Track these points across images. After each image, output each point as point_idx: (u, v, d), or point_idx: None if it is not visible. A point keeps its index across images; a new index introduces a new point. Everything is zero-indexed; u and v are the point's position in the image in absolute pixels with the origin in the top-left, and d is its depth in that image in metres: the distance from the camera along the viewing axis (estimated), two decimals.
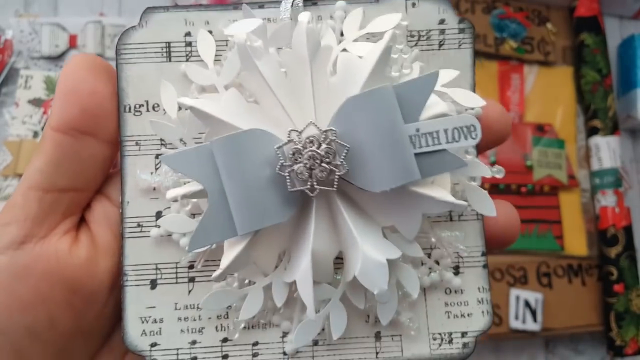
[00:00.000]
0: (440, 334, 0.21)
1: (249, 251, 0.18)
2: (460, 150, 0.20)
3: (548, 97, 0.62)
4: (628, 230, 0.57)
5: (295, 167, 0.17)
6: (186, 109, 0.19)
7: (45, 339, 0.19)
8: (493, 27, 0.63)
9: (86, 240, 0.20)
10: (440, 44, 0.21)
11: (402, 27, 0.21)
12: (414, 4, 0.21)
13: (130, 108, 0.21)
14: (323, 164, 0.17)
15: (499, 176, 0.20)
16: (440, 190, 0.17)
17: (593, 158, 0.60)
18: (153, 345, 0.20)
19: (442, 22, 0.21)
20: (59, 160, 0.20)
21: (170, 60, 0.21)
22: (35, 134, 0.56)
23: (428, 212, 0.18)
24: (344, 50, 0.19)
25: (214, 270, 0.18)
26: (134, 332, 0.20)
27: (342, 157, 0.17)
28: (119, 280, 0.20)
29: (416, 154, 0.17)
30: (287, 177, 0.17)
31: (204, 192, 0.17)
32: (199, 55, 0.20)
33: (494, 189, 0.57)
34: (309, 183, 0.17)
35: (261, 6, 0.21)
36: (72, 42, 0.59)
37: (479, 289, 0.21)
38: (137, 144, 0.21)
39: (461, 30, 0.21)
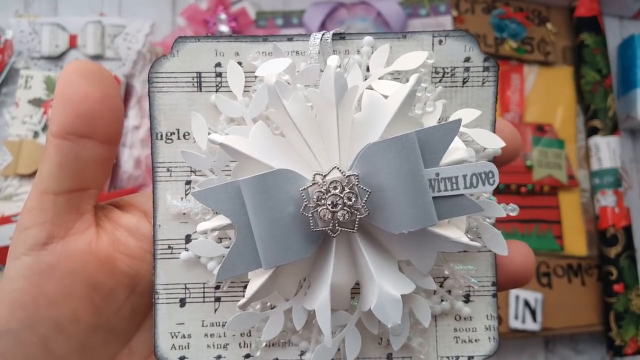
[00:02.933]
0: (448, 357, 0.22)
1: (272, 281, 0.19)
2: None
3: (548, 97, 0.62)
4: (628, 230, 0.57)
5: (319, 209, 0.18)
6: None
7: (70, 332, 0.21)
8: (493, 27, 0.63)
9: (108, 240, 0.22)
10: (464, 81, 0.21)
11: (427, 65, 0.21)
12: (440, 41, 0.21)
13: (162, 136, 0.22)
14: (345, 208, 0.18)
15: (513, 214, 0.20)
16: (455, 231, 0.18)
17: (593, 158, 0.60)
18: (182, 358, 0.21)
19: (467, 59, 0.21)
20: (62, 164, 0.21)
21: (200, 90, 0.21)
22: (36, 134, 0.56)
23: (443, 250, 0.19)
24: (370, 87, 0.20)
25: (238, 291, 0.21)
26: (165, 345, 0.22)
27: (364, 201, 0.18)
28: (137, 286, 0.22)
29: (434, 198, 0.18)
30: (311, 218, 0.18)
31: (231, 226, 0.19)
32: (227, 85, 0.21)
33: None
34: (331, 224, 0.18)
35: (290, 39, 0.21)
36: (72, 42, 0.59)
37: (487, 316, 0.22)
38: (168, 170, 0.22)
39: (486, 69, 0.21)
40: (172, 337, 0.22)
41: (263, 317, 0.21)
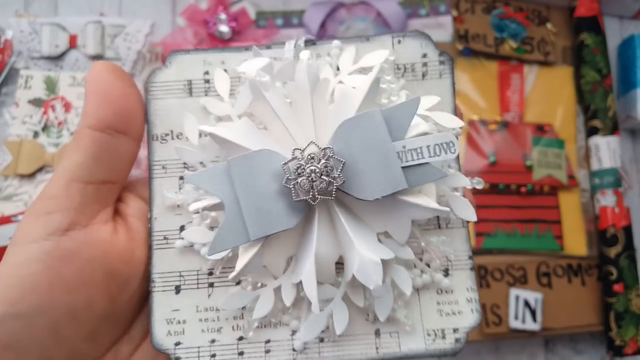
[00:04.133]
0: (434, 330, 0.23)
1: (260, 255, 0.20)
2: (445, 164, 0.23)
3: (548, 97, 0.62)
4: (627, 230, 0.57)
5: (299, 180, 0.19)
6: (206, 136, 0.22)
7: (82, 319, 0.21)
8: (493, 27, 0.63)
9: (123, 231, 0.23)
10: (424, 75, 0.24)
11: (389, 62, 0.24)
12: (399, 41, 0.24)
13: (157, 137, 0.24)
14: (322, 177, 0.19)
15: (478, 187, 0.22)
16: (426, 199, 0.20)
17: (593, 158, 0.60)
18: (177, 344, 0.22)
19: (424, 56, 0.24)
20: (98, 155, 0.22)
21: (191, 95, 0.24)
22: (36, 134, 0.56)
23: (416, 217, 0.21)
24: (340, 82, 0.23)
25: (229, 275, 0.21)
26: (160, 332, 0.22)
27: (339, 170, 0.20)
28: (147, 273, 0.23)
29: (403, 167, 0.20)
30: (292, 189, 0.20)
31: (221, 205, 0.20)
32: (216, 91, 0.24)
33: (494, 189, 0.57)
34: (310, 194, 0.20)
35: (268, 47, 0.24)
36: (72, 42, 0.59)
37: (467, 289, 0.23)
38: (163, 167, 0.24)
39: (441, 62, 0.24)
40: (168, 323, 0.23)
41: (254, 297, 0.22)
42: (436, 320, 0.23)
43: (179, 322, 0.23)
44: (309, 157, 0.20)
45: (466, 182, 0.22)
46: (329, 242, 0.21)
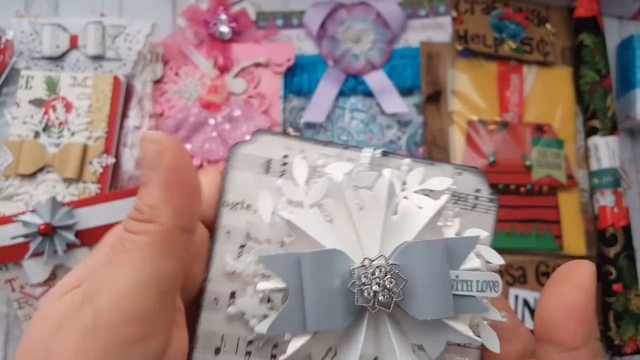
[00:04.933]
0: None
1: (310, 344, 0.22)
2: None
3: (547, 97, 0.62)
4: (627, 230, 0.57)
5: (364, 288, 0.21)
6: (280, 219, 0.24)
7: None
8: (492, 28, 0.63)
9: (180, 320, 0.22)
10: (473, 207, 0.26)
11: (450, 189, 0.26)
12: (459, 172, 0.26)
13: (228, 204, 0.26)
14: (385, 290, 0.21)
15: (504, 320, 0.24)
16: (464, 326, 0.22)
17: (592, 158, 0.60)
18: None
19: (477, 190, 0.26)
20: (185, 261, 0.20)
21: (267, 173, 0.26)
22: (36, 134, 0.56)
23: (451, 340, 0.23)
24: (405, 197, 0.25)
25: (268, 349, 0.25)
26: None
27: (400, 288, 0.21)
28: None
29: (453, 295, 0.22)
30: (355, 294, 0.21)
31: (286, 290, 0.22)
32: (290, 174, 0.26)
33: (494, 189, 0.57)
34: (371, 302, 0.21)
35: (346, 147, 0.26)
36: (73, 43, 0.60)
37: None
38: (227, 233, 0.25)
39: (490, 200, 0.26)
40: None
41: None
42: None
43: None
44: (377, 268, 0.21)
45: (498, 316, 0.24)
46: (371, 343, 0.23)
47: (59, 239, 0.49)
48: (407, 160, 0.26)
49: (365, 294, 0.21)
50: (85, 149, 0.55)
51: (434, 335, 0.23)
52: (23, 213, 0.50)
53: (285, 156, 0.26)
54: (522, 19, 0.63)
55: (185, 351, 0.22)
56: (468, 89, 0.62)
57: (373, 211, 0.23)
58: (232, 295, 0.25)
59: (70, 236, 0.49)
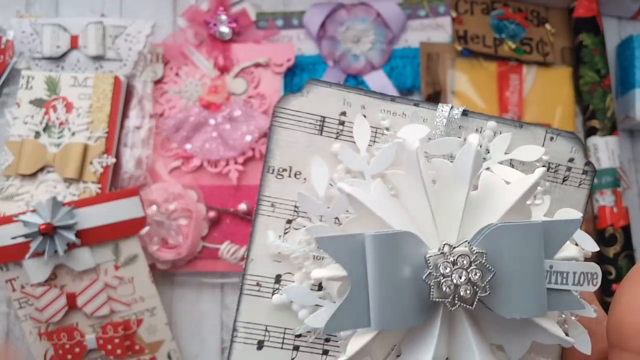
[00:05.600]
0: None
1: (373, 342, 0.18)
2: None
3: (547, 97, 0.62)
4: (626, 230, 0.57)
5: (443, 280, 0.17)
6: (338, 191, 0.19)
7: None
8: (492, 28, 0.63)
9: None
10: (564, 180, 0.22)
11: (541, 160, 0.22)
12: (552, 138, 0.22)
13: (274, 170, 0.22)
14: (469, 283, 0.17)
15: (595, 315, 0.21)
16: (553, 324, 0.18)
17: (591, 158, 0.60)
18: None
19: (571, 160, 0.22)
20: None
21: (321, 134, 0.22)
22: (37, 134, 0.56)
23: (539, 340, 0.19)
24: (488, 168, 0.20)
25: (318, 342, 0.20)
26: None
27: (487, 280, 0.18)
28: None
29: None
30: (431, 287, 0.18)
31: (347, 279, 0.18)
32: (347, 135, 0.21)
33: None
34: (450, 297, 0.18)
35: (416, 104, 0.22)
36: (74, 43, 0.60)
37: None
38: (272, 205, 0.22)
39: (585, 172, 0.22)
40: None
41: None
42: None
43: None
44: (459, 257, 0.18)
45: (591, 314, 0.20)
46: (442, 342, 0.19)
47: (60, 239, 0.49)
48: (492, 123, 0.22)
49: (444, 287, 0.17)
50: (85, 149, 0.55)
51: (518, 335, 0.19)
52: (23, 213, 0.50)
53: (342, 113, 0.22)
54: (522, 19, 0.64)
55: None
56: (468, 89, 0.62)
57: (453, 186, 0.19)
58: (278, 279, 0.21)
59: (71, 236, 0.49)
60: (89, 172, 0.55)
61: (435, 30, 0.64)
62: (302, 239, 0.21)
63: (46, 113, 0.57)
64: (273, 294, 0.21)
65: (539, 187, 0.21)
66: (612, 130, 0.60)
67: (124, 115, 0.59)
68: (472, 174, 0.19)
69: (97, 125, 0.56)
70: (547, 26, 0.64)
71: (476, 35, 0.63)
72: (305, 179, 0.21)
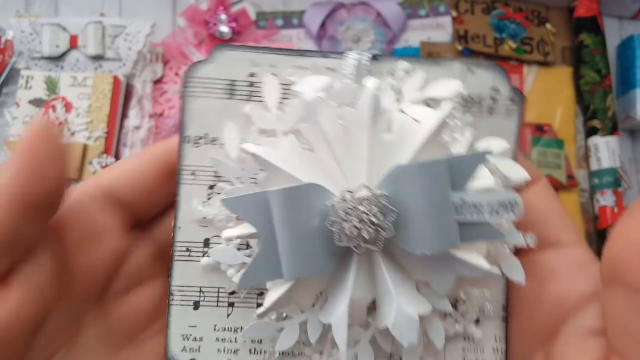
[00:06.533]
0: None
1: (291, 292, 0.19)
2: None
3: (547, 97, 0.62)
4: None
5: (345, 225, 0.18)
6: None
7: None
8: (492, 28, 0.63)
9: (15, 285, 0.19)
10: (490, 111, 0.21)
11: (458, 95, 0.21)
12: (471, 71, 0.21)
13: (189, 139, 0.22)
14: (371, 226, 0.18)
15: (532, 245, 0.21)
16: (476, 256, 0.19)
17: (592, 158, 0.60)
18: None
19: (495, 90, 0.21)
20: (11, 229, 0.18)
21: (232, 98, 0.21)
22: None
23: (462, 274, 0.19)
24: (402, 111, 0.20)
25: (252, 298, 0.21)
26: (176, 347, 0.22)
27: (390, 222, 0.18)
28: (39, 325, 0.20)
29: (458, 222, 0.18)
30: (336, 233, 0.18)
31: (256, 235, 0.19)
32: (259, 96, 0.21)
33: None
34: (355, 241, 0.18)
35: (325, 56, 0.22)
36: (73, 43, 0.60)
37: (495, 338, 0.22)
38: (193, 173, 0.22)
39: (512, 100, 0.22)
40: (184, 339, 0.22)
41: (278, 328, 0.21)
42: None
43: (195, 339, 0.22)
44: (359, 201, 0.18)
45: (521, 240, 0.21)
46: (365, 286, 0.20)
47: None
48: (403, 64, 0.21)
49: (348, 232, 0.18)
50: (85, 148, 0.55)
51: (440, 270, 0.19)
52: None
53: (251, 74, 0.21)
54: (522, 19, 0.63)
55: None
56: None
57: (355, 133, 0.19)
58: (206, 243, 0.22)
59: None
60: (88, 172, 0.55)
61: (435, 30, 0.64)
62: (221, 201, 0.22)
63: (45, 113, 0.57)
64: (203, 257, 0.22)
65: (457, 122, 0.21)
66: (612, 130, 0.60)
67: (124, 115, 0.58)
68: (370, 117, 0.19)
69: (97, 125, 0.56)
70: (548, 26, 0.64)
71: (477, 34, 0.62)
72: (222, 144, 0.21)
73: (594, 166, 0.59)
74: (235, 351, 0.22)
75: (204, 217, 0.22)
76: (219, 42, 0.62)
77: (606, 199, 0.58)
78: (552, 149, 0.60)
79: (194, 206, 0.22)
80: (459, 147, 0.20)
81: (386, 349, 0.21)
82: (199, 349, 0.22)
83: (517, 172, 0.20)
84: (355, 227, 0.18)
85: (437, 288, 0.20)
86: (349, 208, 0.18)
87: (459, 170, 0.18)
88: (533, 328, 0.21)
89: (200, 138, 0.22)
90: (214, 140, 0.22)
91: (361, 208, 0.18)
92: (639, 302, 0.18)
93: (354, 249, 0.18)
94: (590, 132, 0.60)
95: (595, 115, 0.60)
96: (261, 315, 0.20)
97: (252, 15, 0.64)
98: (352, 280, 0.19)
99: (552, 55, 0.63)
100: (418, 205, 0.18)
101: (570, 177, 0.59)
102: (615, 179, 0.58)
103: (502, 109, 0.21)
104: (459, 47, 0.62)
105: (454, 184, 0.18)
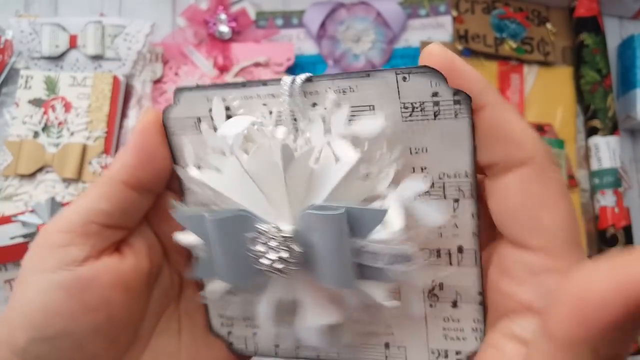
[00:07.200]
0: (438, 350, 0.24)
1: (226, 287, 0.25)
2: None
3: (548, 97, 0.62)
4: (627, 231, 0.57)
5: (259, 255, 0.21)
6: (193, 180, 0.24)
7: (104, 333, 0.23)
8: (493, 27, 0.63)
9: (128, 250, 0.25)
10: (436, 115, 0.21)
11: (382, 134, 0.21)
12: (404, 78, 0.21)
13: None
14: (280, 260, 0.21)
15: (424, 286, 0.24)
16: (375, 288, 0.21)
17: (592, 158, 0.60)
18: (229, 333, 0.27)
19: (435, 94, 0.21)
20: (125, 210, 0.23)
21: (201, 132, 0.24)
22: (36, 134, 0.56)
23: (364, 300, 0.22)
24: (328, 143, 0.21)
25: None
26: (216, 324, 0.27)
27: (295, 260, 0.21)
28: (153, 278, 0.26)
29: (359, 264, 0.21)
30: (254, 259, 0.21)
31: (200, 247, 0.23)
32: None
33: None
34: (269, 268, 0.21)
35: (264, 84, 0.23)
36: (72, 42, 0.59)
37: (473, 320, 0.23)
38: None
39: (456, 102, 0.21)
40: (220, 317, 0.27)
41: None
42: (441, 341, 0.24)
43: (227, 319, 0.27)
44: (273, 237, 0.21)
45: (422, 283, 0.24)
46: (285, 288, 0.23)
47: None
48: (332, 96, 0.22)
49: (263, 261, 0.21)
50: (84, 149, 0.55)
51: (347, 293, 0.23)
52: (22, 213, 0.50)
53: (210, 110, 0.24)
54: (523, 18, 0.63)
55: (123, 273, 0.23)
56: None
57: (272, 176, 0.21)
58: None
59: None
60: (88, 172, 0.55)
61: (435, 30, 0.64)
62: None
63: (45, 113, 0.57)
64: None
65: (385, 158, 0.21)
66: (613, 130, 0.60)
67: (123, 115, 0.58)
68: (283, 165, 0.21)
69: (96, 125, 0.56)
70: (548, 26, 0.64)
71: (477, 34, 0.62)
72: (187, 165, 0.24)
73: (595, 166, 0.59)
74: (256, 325, 0.26)
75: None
76: (218, 41, 0.62)
77: (607, 199, 0.58)
78: (552, 148, 0.60)
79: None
80: (381, 185, 0.21)
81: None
82: (232, 324, 0.27)
83: (433, 216, 0.21)
84: (269, 259, 0.21)
85: (348, 301, 0.23)
86: (262, 242, 0.21)
87: (360, 220, 0.20)
88: (490, 309, 0.23)
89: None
90: (200, 169, 0.24)
91: (272, 244, 0.21)
92: (541, 342, 0.16)
93: (267, 273, 0.21)
94: (591, 132, 0.60)
95: (595, 115, 0.60)
96: (202, 299, 0.26)
97: (252, 15, 0.64)
98: (267, 296, 0.23)
99: (553, 55, 0.63)
100: (321, 247, 0.21)
101: (571, 177, 0.59)
102: (615, 179, 0.58)
103: (448, 112, 0.21)
104: (460, 47, 0.62)
105: (356, 232, 0.20)
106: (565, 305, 0.15)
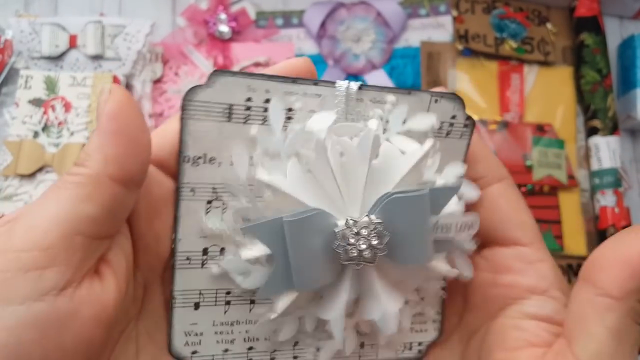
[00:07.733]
0: (404, 343, 0.27)
1: (297, 299, 0.23)
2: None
3: (548, 97, 0.62)
4: None
5: (349, 247, 0.21)
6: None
7: None
8: (493, 27, 0.63)
9: (108, 270, 0.20)
10: (447, 134, 0.25)
11: (433, 127, 0.25)
12: (436, 100, 0.25)
13: (189, 159, 0.23)
14: (370, 248, 0.22)
15: (473, 249, 0.26)
16: (442, 264, 0.24)
17: (593, 158, 0.60)
18: (194, 352, 0.24)
19: (453, 117, 0.25)
20: (113, 211, 0.19)
21: (230, 121, 0.23)
22: (36, 134, 0.56)
23: (431, 276, 0.25)
24: (387, 139, 0.24)
25: (246, 294, 0.24)
26: (179, 343, 0.24)
27: (384, 243, 0.22)
28: (132, 303, 0.23)
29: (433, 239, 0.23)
30: (342, 254, 0.22)
31: (271, 257, 0.22)
32: (255, 118, 0.23)
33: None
34: (356, 260, 0.22)
35: (315, 83, 0.24)
36: (72, 42, 0.59)
37: (435, 312, 0.27)
38: (192, 190, 0.23)
39: (465, 125, 0.26)
40: (186, 335, 0.24)
41: (280, 323, 0.25)
42: (408, 336, 0.27)
43: (196, 334, 0.24)
44: (362, 228, 0.22)
45: (471, 247, 0.26)
46: (354, 287, 0.24)
47: None
48: (391, 98, 0.24)
49: (351, 253, 0.21)
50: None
51: (415, 273, 0.24)
52: None
53: (248, 99, 0.23)
54: (523, 18, 0.63)
55: (107, 305, 0.19)
56: (468, 89, 0.61)
57: (356, 163, 0.22)
58: (205, 252, 0.24)
59: None
60: None
61: (436, 30, 0.64)
62: (227, 217, 0.24)
63: (45, 113, 0.57)
64: (202, 265, 0.24)
65: (432, 150, 0.25)
66: (613, 130, 0.60)
67: None
68: (371, 154, 0.22)
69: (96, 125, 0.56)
70: (548, 25, 0.64)
71: (477, 34, 0.62)
72: (220, 163, 0.23)
73: (595, 166, 0.59)
74: (232, 341, 0.25)
75: (202, 229, 0.24)
76: (218, 41, 0.62)
77: (607, 199, 0.58)
78: (552, 148, 0.59)
79: (199, 219, 0.24)
80: (430, 172, 0.24)
81: (366, 330, 0.26)
82: (199, 342, 0.24)
83: (472, 192, 0.25)
84: (358, 249, 0.21)
85: (409, 284, 0.25)
86: (352, 233, 0.21)
87: (437, 199, 0.22)
88: (486, 306, 0.25)
89: (199, 158, 0.23)
90: (212, 160, 0.23)
91: (363, 233, 0.21)
92: (601, 303, 0.20)
93: (355, 266, 0.22)
94: (591, 132, 0.60)
95: (595, 115, 0.60)
96: (274, 319, 0.24)
97: (252, 15, 0.64)
98: (348, 287, 0.23)
99: (553, 55, 0.63)
100: (405, 228, 0.22)
101: (571, 177, 0.59)
102: (615, 179, 0.58)
103: (456, 133, 0.26)
104: (460, 47, 0.62)
105: (432, 210, 0.22)
106: (615, 267, 0.20)
